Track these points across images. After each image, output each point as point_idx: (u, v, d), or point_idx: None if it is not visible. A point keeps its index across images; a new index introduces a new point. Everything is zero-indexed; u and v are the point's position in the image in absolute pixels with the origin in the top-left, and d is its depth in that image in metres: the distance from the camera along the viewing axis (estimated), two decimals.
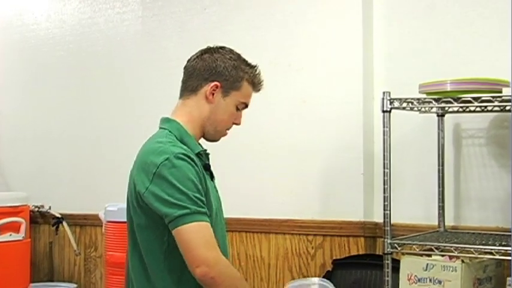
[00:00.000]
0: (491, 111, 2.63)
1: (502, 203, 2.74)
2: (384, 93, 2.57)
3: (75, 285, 3.88)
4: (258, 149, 3.27)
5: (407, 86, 2.67)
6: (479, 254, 2.42)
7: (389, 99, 2.55)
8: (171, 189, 2.04)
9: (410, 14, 3.01)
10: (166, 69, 3.57)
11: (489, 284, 2.56)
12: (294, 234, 3.19)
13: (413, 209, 2.89)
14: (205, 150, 2.27)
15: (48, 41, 4.12)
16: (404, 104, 2.57)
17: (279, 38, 3.28)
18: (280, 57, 3.25)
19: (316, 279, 2.79)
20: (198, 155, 2.19)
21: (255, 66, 2.29)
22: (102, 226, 3.07)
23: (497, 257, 2.39)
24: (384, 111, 2.55)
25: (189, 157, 2.10)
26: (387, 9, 3.07)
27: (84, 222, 3.71)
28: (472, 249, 2.42)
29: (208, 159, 2.27)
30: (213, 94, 2.23)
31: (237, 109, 2.27)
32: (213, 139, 2.30)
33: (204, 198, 2.08)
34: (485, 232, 2.70)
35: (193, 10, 3.55)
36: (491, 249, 2.39)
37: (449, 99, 2.48)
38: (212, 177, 2.27)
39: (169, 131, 2.21)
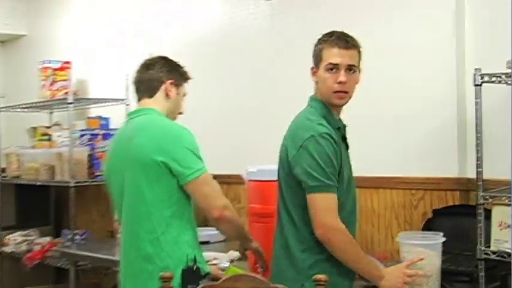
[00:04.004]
0: None
1: None
2: (475, 69, 2.53)
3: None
4: (372, 120, 3.25)
5: (496, 62, 2.59)
6: None
7: (480, 75, 2.51)
8: (312, 161, 2.14)
9: None
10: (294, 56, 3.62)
11: None
12: (399, 189, 3.18)
13: (501, 166, 2.81)
14: (344, 124, 2.34)
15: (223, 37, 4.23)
16: (494, 78, 2.53)
17: (380, 26, 3.25)
18: (383, 43, 3.22)
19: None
20: (337, 129, 2.26)
21: (332, 32, 2.31)
22: (243, 183, 3.14)
23: None
24: (475, 85, 2.52)
25: (330, 136, 2.17)
26: None
27: (228, 181, 3.76)
28: None
29: (345, 131, 2.34)
30: (315, 74, 2.32)
31: (330, 71, 2.27)
32: (334, 104, 2.32)
33: (336, 172, 2.18)
34: None
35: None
36: None
37: None
38: (347, 147, 2.33)
39: (314, 109, 2.29)
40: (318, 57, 2.31)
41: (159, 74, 2.57)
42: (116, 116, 4.61)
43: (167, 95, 2.57)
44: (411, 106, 3.16)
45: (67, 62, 4.76)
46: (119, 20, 4.90)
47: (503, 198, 2.52)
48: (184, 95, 2.67)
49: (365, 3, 3.36)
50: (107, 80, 4.84)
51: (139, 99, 2.61)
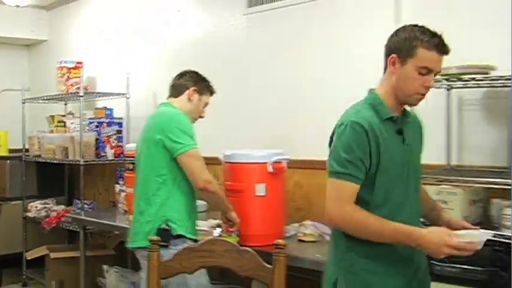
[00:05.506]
0: (483, 86, 2.55)
1: (489, 149, 2.66)
2: None
3: (205, 203, 3.92)
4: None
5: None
6: (473, 184, 2.38)
7: None
8: (334, 148, 1.80)
9: (432, 11, 2.84)
10: (267, 62, 3.56)
11: (480, 203, 2.51)
12: None
13: (429, 152, 2.80)
14: (398, 116, 1.85)
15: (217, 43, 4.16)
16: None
17: (342, 38, 3.22)
18: (344, 52, 3.19)
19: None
20: (390, 119, 1.83)
21: (434, 33, 1.80)
22: (220, 164, 3.09)
23: (485, 185, 2.35)
24: None
25: (360, 125, 1.76)
26: (414, 7, 2.94)
27: (208, 162, 3.71)
28: (467, 181, 2.37)
29: (401, 123, 1.85)
30: (394, 64, 1.82)
31: (421, 74, 1.78)
32: (409, 103, 1.86)
33: (360, 161, 1.75)
34: (478, 169, 2.62)
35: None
36: (480, 180, 2.33)
37: (455, 78, 2.43)
38: (404, 140, 1.85)
39: (365, 100, 1.88)
40: (409, 51, 1.78)
41: (186, 82, 2.75)
42: (118, 108, 4.59)
43: (189, 99, 2.73)
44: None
45: (79, 62, 4.69)
46: (118, 20, 4.80)
47: (429, 178, 2.52)
48: (206, 104, 2.81)
49: (329, 17, 3.31)
50: (111, 77, 4.78)
51: (168, 97, 2.78)
